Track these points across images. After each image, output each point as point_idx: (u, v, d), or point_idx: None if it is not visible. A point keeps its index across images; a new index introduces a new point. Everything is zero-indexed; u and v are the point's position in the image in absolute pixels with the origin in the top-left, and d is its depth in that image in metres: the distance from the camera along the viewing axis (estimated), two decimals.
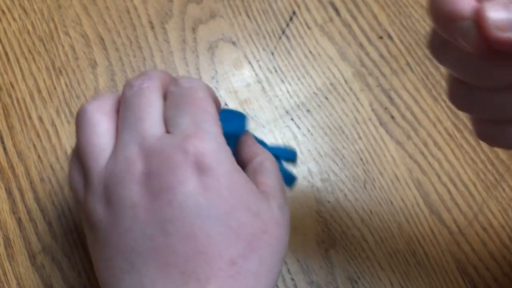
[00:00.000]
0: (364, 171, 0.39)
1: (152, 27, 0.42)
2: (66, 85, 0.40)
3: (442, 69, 0.42)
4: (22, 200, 0.37)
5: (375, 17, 0.43)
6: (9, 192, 0.37)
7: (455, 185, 0.39)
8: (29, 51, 0.41)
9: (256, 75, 0.41)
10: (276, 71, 0.41)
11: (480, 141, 0.40)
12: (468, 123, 0.40)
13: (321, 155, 0.39)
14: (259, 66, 0.41)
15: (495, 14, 0.18)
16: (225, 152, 0.25)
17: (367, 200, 0.38)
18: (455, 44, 0.21)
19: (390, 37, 0.42)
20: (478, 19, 0.19)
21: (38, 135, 0.39)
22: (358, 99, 0.41)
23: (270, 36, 0.42)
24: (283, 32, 0.42)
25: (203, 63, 0.41)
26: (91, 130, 0.25)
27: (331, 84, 0.41)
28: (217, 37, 0.42)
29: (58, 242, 0.36)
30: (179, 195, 0.23)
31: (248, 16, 0.43)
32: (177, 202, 0.23)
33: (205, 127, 0.25)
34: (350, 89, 0.41)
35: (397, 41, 0.42)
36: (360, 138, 0.40)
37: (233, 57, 0.42)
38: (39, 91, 0.40)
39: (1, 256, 0.36)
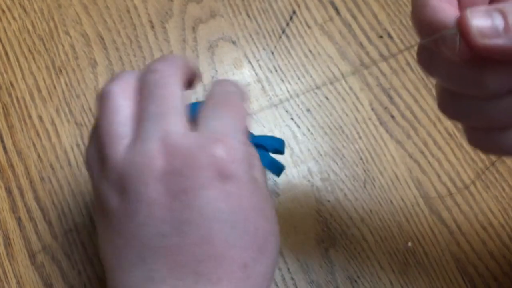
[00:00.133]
0: (364, 171, 0.39)
1: (152, 27, 0.42)
2: (66, 84, 0.40)
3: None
4: (22, 199, 0.37)
5: (375, 16, 0.43)
6: (9, 191, 0.37)
7: (455, 184, 0.39)
8: (29, 50, 0.41)
9: (256, 74, 0.41)
10: (276, 71, 0.41)
11: None
12: None
13: (321, 155, 0.39)
14: (259, 66, 0.41)
15: (478, 22, 0.19)
16: (248, 159, 0.25)
17: (367, 199, 0.38)
18: (442, 55, 0.21)
19: (390, 36, 0.42)
20: (461, 27, 0.19)
21: (38, 134, 0.39)
22: (358, 98, 0.41)
23: (270, 36, 0.42)
24: (283, 31, 0.42)
25: (203, 63, 0.41)
26: (113, 115, 0.25)
27: (331, 83, 0.41)
28: (217, 36, 0.42)
29: (58, 241, 0.36)
30: (200, 198, 0.23)
31: (248, 16, 0.43)
32: (198, 205, 0.23)
33: (235, 133, 0.24)
34: (350, 88, 0.41)
35: (397, 40, 0.42)
36: (360, 137, 0.40)
37: (233, 57, 0.42)
38: (39, 90, 0.40)
39: (1, 255, 0.36)
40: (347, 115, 0.40)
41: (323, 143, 0.39)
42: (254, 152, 0.27)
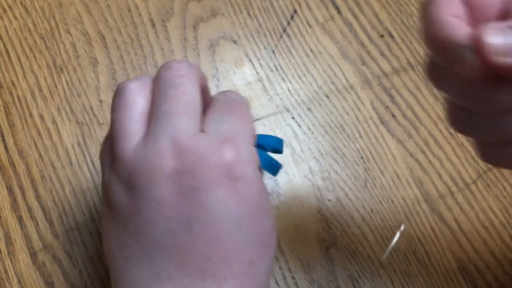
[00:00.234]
0: (365, 170, 0.39)
1: (153, 25, 0.42)
2: (67, 83, 0.40)
3: None
4: (23, 198, 0.37)
5: (376, 15, 0.43)
6: (10, 190, 0.37)
7: (456, 183, 0.39)
8: (30, 49, 0.41)
9: (257, 73, 0.41)
10: (277, 70, 0.41)
11: None
12: None
13: (322, 154, 0.39)
14: (260, 65, 0.41)
15: (494, 39, 0.18)
16: (256, 160, 0.26)
17: (367, 198, 0.38)
18: (453, 71, 0.20)
19: (391, 35, 0.42)
20: (476, 45, 0.18)
21: (39, 133, 0.39)
22: (359, 97, 0.41)
23: (271, 35, 0.42)
24: (284, 30, 0.42)
25: (204, 61, 0.41)
26: (126, 111, 0.25)
27: (332, 82, 0.41)
28: (218, 35, 0.42)
29: (59, 240, 0.36)
30: (211, 197, 0.23)
31: (249, 14, 0.43)
32: (208, 204, 0.23)
33: (243, 136, 0.25)
34: (351, 87, 0.41)
35: (398, 40, 0.42)
36: (361, 136, 0.40)
37: (234, 56, 0.42)
38: (40, 89, 0.40)
39: (2, 254, 0.36)
40: (348, 114, 0.40)
41: (324, 142, 0.39)
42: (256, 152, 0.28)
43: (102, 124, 0.39)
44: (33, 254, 0.36)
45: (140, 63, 0.41)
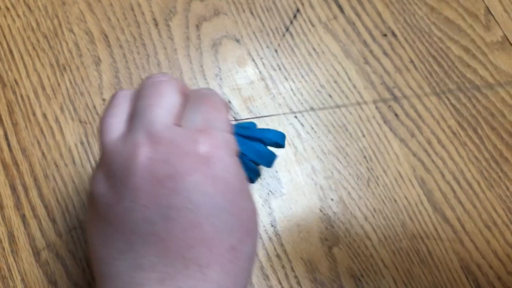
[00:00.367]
0: (368, 169, 0.39)
1: (156, 24, 0.42)
2: (70, 82, 0.40)
3: (446, 67, 0.42)
4: (26, 197, 0.37)
5: (379, 14, 0.43)
6: (13, 189, 0.38)
7: (458, 183, 0.39)
8: (33, 48, 0.41)
9: (260, 72, 0.41)
10: (279, 69, 0.41)
11: (484, 139, 0.40)
12: (472, 121, 0.40)
13: (324, 153, 0.39)
14: (263, 64, 0.41)
15: None
16: (233, 145, 0.26)
17: (370, 198, 0.38)
18: None
19: (394, 34, 0.42)
20: None
21: (42, 132, 0.39)
22: (361, 96, 0.41)
23: (273, 34, 0.42)
24: (287, 29, 0.42)
25: (207, 60, 0.41)
26: (109, 110, 0.27)
27: (335, 81, 0.41)
28: (220, 34, 0.42)
29: (62, 239, 0.36)
30: (186, 183, 0.23)
31: (252, 14, 0.43)
32: (184, 190, 0.23)
33: (216, 124, 0.25)
34: (354, 86, 0.41)
35: (401, 39, 0.42)
36: (363, 136, 0.40)
37: (236, 55, 0.42)
38: (43, 88, 0.40)
39: (6, 252, 0.36)
40: (350, 113, 0.40)
41: (326, 142, 0.39)
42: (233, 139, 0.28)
43: None
44: (36, 253, 0.36)
45: (143, 62, 0.41)
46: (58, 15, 0.42)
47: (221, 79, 0.41)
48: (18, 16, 0.42)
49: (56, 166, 0.38)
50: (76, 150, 0.39)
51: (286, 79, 0.41)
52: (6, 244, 0.36)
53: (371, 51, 0.42)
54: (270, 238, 0.37)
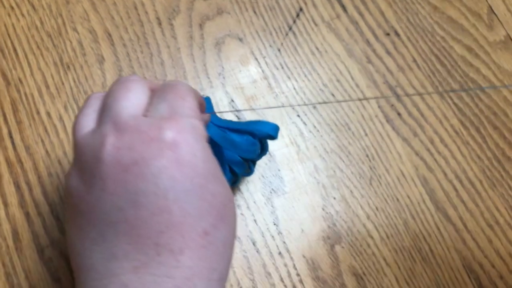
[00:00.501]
0: (370, 168, 0.39)
1: (160, 23, 0.42)
2: (74, 81, 0.41)
3: (449, 66, 0.42)
4: (30, 195, 0.38)
5: (382, 14, 0.43)
6: (17, 186, 0.38)
7: (461, 182, 0.39)
8: (37, 46, 0.41)
9: (263, 71, 0.41)
10: (282, 68, 0.41)
11: (486, 138, 0.40)
12: (475, 120, 0.40)
13: (327, 152, 0.39)
14: (266, 63, 0.42)
15: None
16: (200, 131, 0.26)
17: (373, 196, 0.38)
18: None
19: (397, 34, 0.42)
20: None
21: (46, 130, 0.39)
22: (364, 95, 0.41)
23: (276, 33, 0.42)
24: (290, 28, 0.43)
25: (210, 59, 0.41)
26: (82, 110, 0.27)
27: (338, 80, 0.41)
28: (224, 33, 0.42)
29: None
30: (152, 168, 0.23)
31: (255, 13, 0.43)
32: (150, 175, 0.23)
33: (182, 111, 0.26)
34: (357, 85, 0.41)
35: (404, 38, 0.42)
36: (366, 134, 0.40)
37: (239, 54, 0.42)
38: (47, 87, 0.40)
39: (10, 250, 0.36)
40: (353, 112, 0.40)
41: (329, 140, 0.40)
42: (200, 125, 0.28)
43: None
44: (40, 250, 0.36)
45: (147, 60, 0.41)
46: (62, 14, 0.42)
47: (224, 78, 0.41)
48: (23, 15, 0.42)
49: (60, 164, 0.38)
50: None
51: (289, 78, 0.41)
52: (10, 242, 0.36)
53: (374, 50, 0.42)
54: (272, 236, 0.37)
